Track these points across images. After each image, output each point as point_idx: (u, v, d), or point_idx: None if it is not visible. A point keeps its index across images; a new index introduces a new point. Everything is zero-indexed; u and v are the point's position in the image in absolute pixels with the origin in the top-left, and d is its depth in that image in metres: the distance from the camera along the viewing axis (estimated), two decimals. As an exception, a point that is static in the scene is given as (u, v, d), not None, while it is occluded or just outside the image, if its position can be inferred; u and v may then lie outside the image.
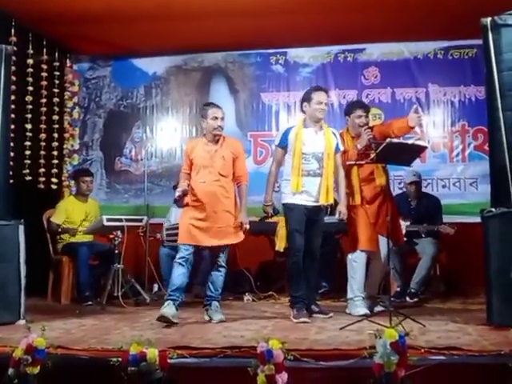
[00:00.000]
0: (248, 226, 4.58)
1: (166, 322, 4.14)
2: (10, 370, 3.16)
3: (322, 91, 4.58)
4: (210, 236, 4.42)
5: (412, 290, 5.57)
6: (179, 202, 4.56)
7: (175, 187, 4.70)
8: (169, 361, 3.11)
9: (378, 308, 4.69)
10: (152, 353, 3.09)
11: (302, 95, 4.66)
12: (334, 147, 4.53)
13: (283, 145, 4.57)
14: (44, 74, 6.46)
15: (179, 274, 4.35)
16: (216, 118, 4.51)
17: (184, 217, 4.49)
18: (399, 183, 6.48)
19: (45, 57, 6.46)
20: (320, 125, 4.56)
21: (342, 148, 4.61)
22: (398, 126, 4.62)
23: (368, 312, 4.52)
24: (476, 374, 3.04)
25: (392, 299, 4.67)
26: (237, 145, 4.69)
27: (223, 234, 4.45)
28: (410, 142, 4.23)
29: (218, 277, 4.53)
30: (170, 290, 4.34)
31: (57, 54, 6.64)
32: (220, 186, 4.46)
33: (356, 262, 4.68)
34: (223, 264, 4.52)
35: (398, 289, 5.55)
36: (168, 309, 4.22)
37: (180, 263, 4.37)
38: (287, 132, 4.57)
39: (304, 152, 4.44)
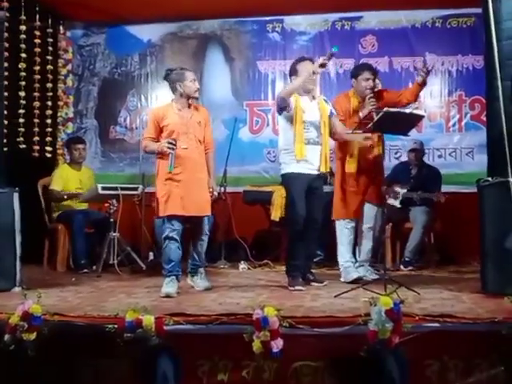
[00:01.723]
0: (216, 193, 4.58)
1: (171, 297, 4.05)
2: (7, 337, 3.16)
3: (305, 61, 4.48)
4: (196, 204, 4.31)
5: (406, 259, 5.63)
6: (172, 151, 4.23)
7: (146, 152, 4.53)
8: (165, 327, 3.12)
9: (373, 276, 4.72)
10: (148, 320, 3.10)
11: (292, 66, 4.55)
12: (328, 114, 4.51)
13: (280, 113, 4.52)
14: (37, 41, 6.36)
15: (174, 250, 4.26)
16: (194, 80, 4.41)
17: (164, 186, 4.27)
18: (395, 153, 6.47)
19: (38, 23, 6.35)
20: (312, 94, 4.51)
21: (334, 113, 4.58)
22: (409, 91, 4.65)
23: (360, 275, 4.58)
24: (470, 341, 3.06)
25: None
26: (205, 111, 4.58)
27: (205, 202, 4.38)
28: (407, 110, 4.22)
29: (203, 245, 4.49)
30: (169, 266, 4.23)
31: (50, 21, 6.53)
32: (199, 153, 4.39)
33: (344, 229, 4.72)
34: (207, 232, 4.48)
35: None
36: (171, 286, 4.16)
37: (172, 237, 4.24)
38: (284, 101, 4.46)
39: (304, 120, 4.40)
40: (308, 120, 4.42)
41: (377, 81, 4.88)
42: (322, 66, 4.28)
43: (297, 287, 4.28)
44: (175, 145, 4.22)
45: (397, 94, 4.73)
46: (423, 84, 4.63)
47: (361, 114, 4.62)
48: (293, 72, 4.50)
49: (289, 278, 4.42)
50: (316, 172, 4.46)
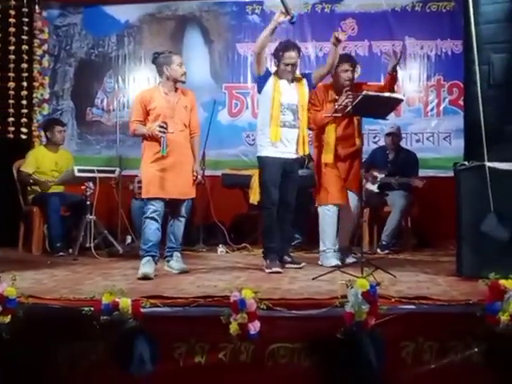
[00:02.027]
0: (200, 177, 4.60)
1: (148, 279, 4.03)
2: (-20, 320, 3.13)
3: (290, 51, 4.43)
4: (178, 187, 4.33)
5: (383, 243, 5.67)
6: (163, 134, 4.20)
7: (135, 135, 4.51)
8: (141, 310, 3.11)
9: (350, 259, 4.75)
10: (125, 302, 3.09)
11: (273, 50, 4.53)
12: (307, 98, 4.49)
13: (259, 91, 4.50)
14: (12, 21, 6.27)
15: (153, 231, 4.25)
16: (181, 64, 4.39)
17: (150, 168, 4.30)
18: (374, 137, 6.49)
19: (13, 2, 6.24)
20: (292, 77, 4.48)
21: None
22: (385, 84, 4.63)
23: (339, 263, 4.58)
24: (445, 323, 3.10)
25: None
26: (192, 95, 4.56)
27: (187, 186, 4.40)
28: (386, 94, 4.22)
29: (180, 227, 4.48)
30: (147, 246, 4.24)
31: (25, 0, 6.41)
32: (184, 137, 4.40)
33: (327, 216, 4.72)
34: (184, 214, 4.48)
35: None
36: (148, 267, 4.15)
37: (153, 218, 4.25)
38: (267, 76, 4.46)
39: (281, 103, 4.38)
40: (285, 103, 4.40)
41: (358, 69, 4.83)
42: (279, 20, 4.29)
43: (274, 269, 4.29)
44: (166, 128, 4.19)
45: (376, 87, 4.68)
46: (394, 71, 4.59)
47: (336, 106, 4.55)
48: (275, 57, 4.48)
49: (266, 261, 4.43)
50: (293, 156, 4.46)
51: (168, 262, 4.47)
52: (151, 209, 4.26)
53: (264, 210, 4.51)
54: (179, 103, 4.38)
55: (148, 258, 4.21)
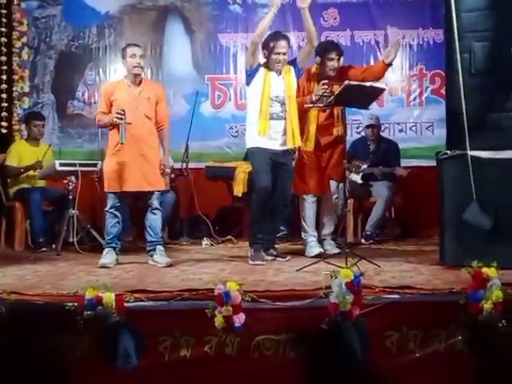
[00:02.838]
0: (169, 171, 4.62)
1: (107, 267, 4.26)
2: (-38, 317, 3.09)
3: (281, 40, 4.41)
4: (139, 180, 4.36)
5: (367, 233, 5.68)
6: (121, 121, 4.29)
7: (100, 126, 4.59)
8: (125, 304, 3.09)
9: (334, 250, 4.75)
10: (108, 297, 3.06)
11: (263, 41, 4.46)
12: (294, 88, 4.47)
13: (247, 84, 4.48)
14: (-11, 12, 6.15)
15: (113, 224, 4.42)
16: (134, 55, 4.39)
17: (110, 161, 4.39)
18: (357, 127, 6.48)
19: (-11, -6, 6.14)
20: (280, 69, 4.45)
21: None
22: (376, 70, 4.61)
23: (322, 251, 4.60)
24: (428, 312, 3.11)
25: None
26: (159, 87, 4.64)
27: (152, 178, 4.41)
28: (367, 84, 4.21)
29: (156, 220, 4.48)
30: (108, 238, 4.45)
31: (3, -9, 6.31)
32: (147, 129, 4.41)
33: (306, 205, 4.74)
34: (158, 206, 4.48)
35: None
36: (107, 258, 4.36)
37: (111, 213, 4.40)
38: (258, 68, 4.41)
39: (270, 96, 4.36)
40: (273, 95, 4.38)
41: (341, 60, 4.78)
42: None
43: (256, 262, 4.29)
44: (124, 115, 4.26)
45: (360, 71, 4.68)
46: (390, 64, 4.58)
47: (313, 97, 4.52)
48: (265, 47, 4.41)
49: (250, 252, 4.42)
50: (281, 147, 4.43)
51: (151, 256, 4.45)
52: (110, 203, 4.40)
53: (255, 198, 4.44)
54: (141, 95, 4.41)
55: (109, 249, 4.41)
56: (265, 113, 4.34)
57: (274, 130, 4.39)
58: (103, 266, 4.27)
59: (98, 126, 4.72)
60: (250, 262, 4.33)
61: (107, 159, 4.44)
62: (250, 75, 4.45)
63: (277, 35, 4.48)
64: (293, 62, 4.54)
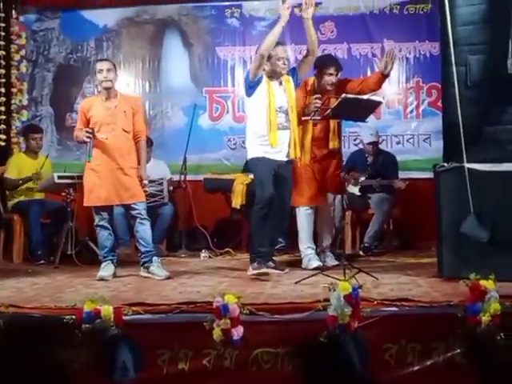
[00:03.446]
0: (146, 182, 4.64)
1: (106, 280, 4.29)
2: (-40, 330, 3.09)
3: (279, 46, 4.38)
4: (118, 193, 4.41)
5: (365, 245, 5.69)
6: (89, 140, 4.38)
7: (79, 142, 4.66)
8: (124, 317, 3.09)
9: (333, 262, 4.75)
10: (106, 310, 3.07)
11: (258, 48, 4.40)
12: (294, 98, 4.41)
13: (248, 95, 4.38)
14: (-12, 26, 6.18)
15: (106, 237, 4.48)
16: (101, 70, 4.43)
17: (90, 177, 4.45)
18: (354, 139, 6.51)
19: (-12, 7, 6.17)
20: (281, 79, 4.40)
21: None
22: (372, 80, 4.60)
23: (321, 264, 4.58)
24: (427, 325, 3.11)
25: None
26: (135, 100, 4.73)
27: (132, 190, 4.44)
28: (364, 97, 4.23)
29: (146, 230, 4.50)
30: (103, 252, 4.49)
31: (1, 5, 6.37)
32: (124, 142, 4.45)
33: (302, 217, 4.72)
34: (145, 217, 4.49)
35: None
36: (105, 270, 4.40)
37: (102, 226, 4.47)
38: (260, 79, 4.31)
39: (275, 106, 4.29)
40: (277, 105, 4.32)
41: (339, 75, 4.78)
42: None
43: (262, 270, 4.18)
44: (92, 133, 4.34)
45: (357, 83, 4.68)
46: (388, 75, 4.59)
47: (306, 111, 4.52)
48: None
49: (253, 264, 4.28)
50: (285, 158, 4.37)
51: (147, 268, 4.44)
52: (98, 217, 4.47)
53: (257, 210, 4.28)
54: (118, 108, 4.46)
55: (107, 262, 4.45)
56: (274, 124, 4.27)
57: (280, 141, 4.33)
58: (101, 279, 4.29)
59: (77, 143, 4.85)
60: (255, 271, 4.20)
61: (86, 174, 4.50)
62: (252, 87, 4.34)
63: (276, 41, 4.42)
64: (291, 72, 4.49)
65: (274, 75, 4.37)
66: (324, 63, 4.71)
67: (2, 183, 5.77)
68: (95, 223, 4.50)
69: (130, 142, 4.51)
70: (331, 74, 4.65)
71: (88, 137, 4.35)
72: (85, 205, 4.50)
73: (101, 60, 4.71)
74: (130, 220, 4.71)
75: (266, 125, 4.28)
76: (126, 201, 4.45)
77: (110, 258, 4.47)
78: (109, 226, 4.49)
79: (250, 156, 4.44)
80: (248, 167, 4.54)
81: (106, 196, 4.41)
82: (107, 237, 4.48)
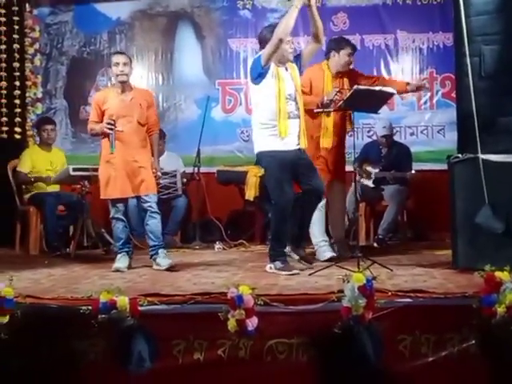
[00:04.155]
0: (160, 174, 4.65)
1: (121, 271, 4.31)
2: (-21, 320, 3.13)
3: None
4: (133, 186, 4.43)
5: (379, 236, 5.68)
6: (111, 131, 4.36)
7: (92, 135, 4.69)
8: (139, 308, 3.11)
9: (346, 254, 4.74)
10: (122, 300, 3.09)
11: (264, 35, 4.16)
12: (300, 83, 4.28)
13: (258, 81, 4.13)
14: (2, 19, 6.23)
15: (121, 229, 4.50)
16: (117, 63, 4.43)
17: (104, 169, 4.47)
18: (368, 131, 6.49)
19: (2, 0, 6.20)
20: (286, 65, 4.23)
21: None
22: (393, 86, 4.55)
23: (334, 255, 4.56)
24: (441, 316, 3.11)
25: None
26: (148, 93, 4.75)
27: (147, 182, 4.45)
28: (377, 88, 4.22)
29: (156, 224, 4.50)
30: (119, 244, 4.52)
31: (15, -2, 6.39)
32: (139, 135, 4.47)
33: (317, 210, 4.57)
34: (156, 210, 4.50)
35: None
36: (121, 262, 4.41)
37: (117, 218, 4.48)
38: (269, 67, 4.09)
39: (285, 93, 4.12)
40: (287, 93, 4.13)
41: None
42: None
43: (293, 271, 3.99)
44: (114, 124, 4.33)
45: (371, 80, 4.69)
46: (407, 91, 4.79)
47: (325, 98, 4.47)
48: (267, 40, 4.07)
49: (275, 264, 4.10)
50: (296, 147, 4.16)
51: (155, 260, 4.46)
52: (114, 209, 4.47)
53: (277, 212, 4.12)
54: (133, 101, 4.46)
55: (122, 253, 4.46)
56: (284, 112, 4.05)
57: (293, 130, 4.12)
58: (117, 270, 4.32)
59: (91, 135, 4.84)
60: (283, 273, 3.99)
61: (101, 167, 4.51)
62: (262, 74, 4.09)
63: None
64: (296, 59, 4.31)
65: (282, 60, 4.16)
66: (341, 44, 4.69)
67: (15, 177, 5.82)
68: (111, 216, 4.52)
69: (145, 135, 4.53)
70: (350, 54, 4.65)
71: (110, 128, 4.35)
72: (101, 198, 4.52)
73: (117, 53, 4.69)
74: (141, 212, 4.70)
75: (275, 114, 4.06)
76: (139, 193, 4.46)
77: (126, 249, 4.49)
78: (124, 219, 4.51)
79: (258, 149, 4.20)
80: (259, 161, 4.26)
81: (122, 188, 4.43)
82: (122, 229, 4.50)
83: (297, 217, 4.25)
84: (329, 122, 4.62)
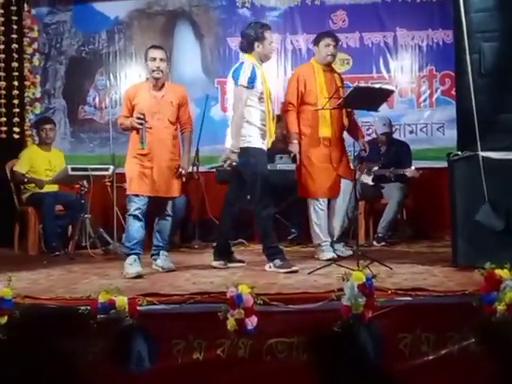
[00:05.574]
0: (183, 171, 4.41)
1: (138, 277, 4.01)
2: (-23, 321, 3.12)
3: (268, 30, 4.28)
4: (160, 186, 4.26)
5: (379, 235, 5.67)
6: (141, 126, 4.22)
7: (122, 129, 4.52)
8: (138, 308, 3.10)
9: (347, 252, 4.74)
10: (121, 300, 3.08)
11: (252, 33, 4.22)
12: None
13: (251, 85, 4.18)
14: (1, 19, 6.23)
15: (137, 229, 4.19)
16: (154, 59, 4.26)
17: (133, 165, 4.25)
18: (367, 129, 6.47)
19: (1, 0, 6.19)
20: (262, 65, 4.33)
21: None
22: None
23: (335, 256, 4.55)
24: (441, 314, 3.10)
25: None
26: (182, 90, 4.49)
27: (172, 184, 4.33)
28: (376, 85, 4.21)
29: (166, 226, 4.41)
30: (131, 244, 4.18)
31: (13, -2, 6.38)
32: (169, 134, 4.32)
33: (318, 209, 4.66)
34: (170, 213, 4.41)
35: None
36: (137, 266, 4.10)
37: (136, 216, 4.19)
38: (254, 71, 4.18)
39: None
40: (270, 94, 4.32)
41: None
42: None
43: (293, 268, 4.03)
44: (144, 119, 4.18)
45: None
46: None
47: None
48: (259, 39, 4.20)
49: (274, 262, 4.12)
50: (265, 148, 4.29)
51: (155, 260, 4.40)
52: (134, 206, 4.21)
53: (266, 207, 4.19)
54: (164, 98, 4.31)
55: (134, 256, 4.14)
56: (270, 113, 4.23)
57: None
58: (138, 276, 3.98)
59: (122, 130, 4.55)
60: (282, 270, 4.02)
61: (129, 161, 4.30)
62: (254, 77, 4.16)
63: (267, 25, 4.37)
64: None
65: (264, 60, 4.30)
66: (319, 37, 4.73)
67: (12, 176, 5.81)
68: (128, 212, 4.24)
69: (175, 134, 4.37)
70: (329, 45, 4.65)
71: (140, 123, 4.18)
72: (128, 193, 4.28)
73: (154, 47, 4.38)
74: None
75: (265, 114, 4.19)
76: (163, 194, 4.29)
77: (137, 251, 4.17)
78: (142, 218, 4.22)
79: (246, 144, 4.19)
80: (245, 155, 4.19)
81: (149, 186, 4.22)
82: (138, 229, 4.20)
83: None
84: (325, 111, 4.54)
